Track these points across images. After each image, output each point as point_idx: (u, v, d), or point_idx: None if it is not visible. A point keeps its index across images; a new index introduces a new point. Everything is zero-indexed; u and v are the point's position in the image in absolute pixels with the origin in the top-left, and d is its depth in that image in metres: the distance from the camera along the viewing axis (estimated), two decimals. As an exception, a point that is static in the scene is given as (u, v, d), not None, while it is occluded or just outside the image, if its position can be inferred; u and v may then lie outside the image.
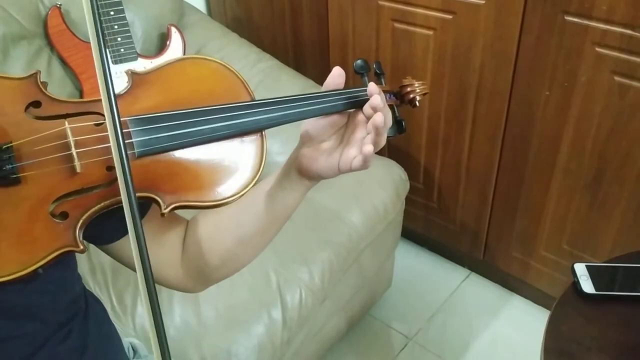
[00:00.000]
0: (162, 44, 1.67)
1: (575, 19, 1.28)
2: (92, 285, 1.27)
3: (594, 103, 1.34)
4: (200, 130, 0.62)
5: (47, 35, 1.51)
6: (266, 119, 0.65)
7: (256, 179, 0.65)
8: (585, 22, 1.27)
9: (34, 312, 0.66)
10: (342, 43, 1.77)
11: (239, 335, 1.21)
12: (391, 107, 0.75)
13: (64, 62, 1.52)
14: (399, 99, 0.77)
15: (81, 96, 1.54)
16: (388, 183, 1.55)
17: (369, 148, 0.63)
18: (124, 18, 1.52)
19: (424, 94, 0.78)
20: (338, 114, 0.68)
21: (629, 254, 1.10)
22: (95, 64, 0.51)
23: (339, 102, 0.67)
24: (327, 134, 0.68)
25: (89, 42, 0.55)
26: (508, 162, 1.59)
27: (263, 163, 0.65)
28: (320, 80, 1.99)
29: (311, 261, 1.34)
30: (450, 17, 1.48)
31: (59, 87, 1.51)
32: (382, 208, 1.51)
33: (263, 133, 0.66)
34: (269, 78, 1.69)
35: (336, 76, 0.68)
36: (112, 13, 1.50)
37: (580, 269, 1.03)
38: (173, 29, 1.64)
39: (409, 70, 1.65)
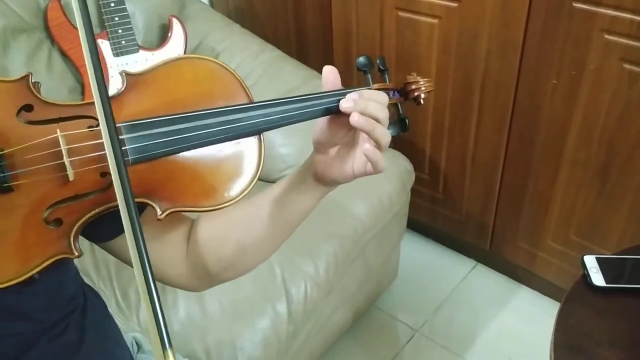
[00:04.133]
0: (163, 35, 1.65)
1: (583, 6, 1.25)
2: (96, 280, 1.26)
3: (603, 91, 1.32)
4: (196, 135, 0.60)
5: (47, 28, 1.49)
6: (264, 121, 0.63)
7: (254, 182, 0.63)
8: (594, 8, 1.24)
9: (28, 313, 0.66)
10: (346, 32, 1.74)
11: (244, 329, 1.20)
12: (394, 104, 0.73)
13: (64, 55, 1.51)
14: (402, 96, 0.75)
15: (83, 89, 1.52)
16: (393, 174, 1.54)
17: (366, 147, 0.62)
18: (125, 10, 1.50)
19: (429, 92, 0.75)
20: (339, 115, 0.65)
21: (639, 245, 1.08)
22: (89, 74, 0.49)
23: (335, 103, 0.65)
24: (336, 137, 0.66)
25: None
26: (515, 151, 1.57)
27: (261, 166, 0.63)
28: (324, 70, 1.94)
29: (316, 254, 1.33)
30: (456, 4, 1.46)
31: (60, 80, 1.49)
32: (387, 199, 1.50)
33: (261, 135, 0.64)
34: (272, 68, 1.67)
35: (328, 74, 0.66)
36: (112, 5, 1.49)
37: (590, 261, 1.01)
38: (174, 20, 1.63)
39: (413, 59, 1.63)
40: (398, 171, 1.55)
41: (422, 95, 0.74)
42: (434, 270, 1.93)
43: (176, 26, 1.62)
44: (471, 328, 1.73)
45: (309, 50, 1.93)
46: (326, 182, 0.68)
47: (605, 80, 1.30)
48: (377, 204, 1.48)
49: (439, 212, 1.87)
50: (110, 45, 1.51)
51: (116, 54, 1.52)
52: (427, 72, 1.62)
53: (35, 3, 1.49)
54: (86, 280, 0.80)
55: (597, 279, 0.98)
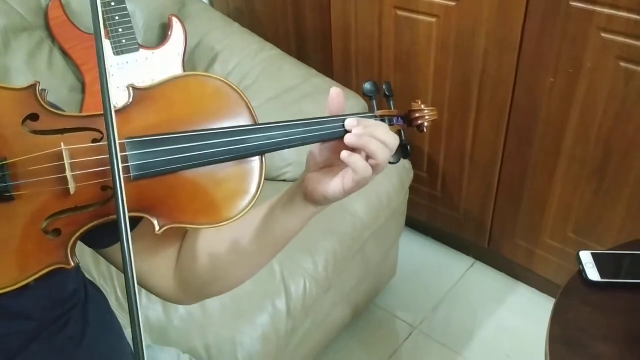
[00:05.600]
0: (163, 34, 1.66)
1: (580, 4, 1.26)
2: (96, 277, 1.27)
3: (599, 89, 1.32)
4: (199, 154, 0.61)
5: (48, 27, 1.50)
6: (268, 144, 0.63)
7: (253, 202, 0.63)
8: (591, 7, 1.25)
9: (28, 313, 0.66)
10: (345, 32, 1.75)
11: (243, 325, 1.21)
12: (398, 131, 0.73)
13: (65, 54, 1.52)
14: (406, 122, 0.75)
15: (83, 87, 1.53)
16: (392, 172, 1.55)
17: (343, 154, 0.62)
18: (125, 9, 1.51)
19: (433, 120, 0.76)
20: (340, 140, 0.66)
21: (635, 241, 1.09)
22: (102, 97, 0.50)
23: (341, 128, 0.65)
24: (332, 160, 0.67)
25: (91, 34, 0.54)
26: (512, 149, 1.58)
27: (261, 186, 0.63)
28: (323, 69, 1.97)
29: (315, 251, 1.34)
30: (454, 4, 1.47)
31: (60, 79, 1.50)
32: (386, 197, 1.51)
33: (263, 156, 0.64)
34: (271, 67, 1.68)
35: (334, 97, 0.67)
36: (113, 4, 1.50)
37: (586, 256, 1.02)
38: (174, 19, 1.63)
39: (412, 58, 1.63)
40: (397, 169, 1.56)
41: (426, 124, 0.75)
42: (433, 267, 1.94)
43: (176, 25, 1.63)
44: (469, 325, 1.74)
45: (309, 49, 1.94)
46: (316, 199, 0.67)
47: (602, 79, 1.31)
48: (376, 201, 1.48)
49: (438, 210, 1.87)
50: (111, 44, 1.52)
51: (116, 53, 1.52)
52: (426, 71, 1.63)
53: (37, 2, 1.49)
54: (86, 276, 0.81)
55: (593, 274, 0.99)
